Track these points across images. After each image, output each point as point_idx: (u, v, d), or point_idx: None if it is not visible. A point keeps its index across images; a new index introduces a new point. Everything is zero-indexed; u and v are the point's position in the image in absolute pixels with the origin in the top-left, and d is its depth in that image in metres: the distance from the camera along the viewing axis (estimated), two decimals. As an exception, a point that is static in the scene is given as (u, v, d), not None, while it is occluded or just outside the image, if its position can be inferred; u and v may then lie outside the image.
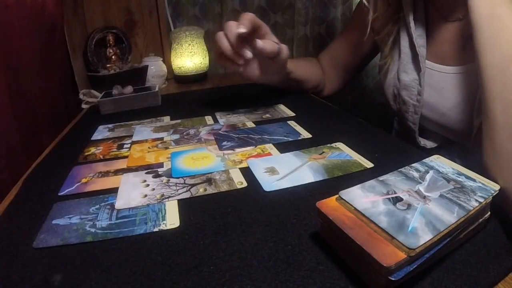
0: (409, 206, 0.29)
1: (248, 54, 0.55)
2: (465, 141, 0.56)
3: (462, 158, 0.58)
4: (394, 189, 0.32)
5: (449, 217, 0.28)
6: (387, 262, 0.24)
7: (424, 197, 0.30)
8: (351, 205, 0.29)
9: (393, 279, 0.24)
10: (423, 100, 0.60)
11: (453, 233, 0.27)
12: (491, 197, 0.30)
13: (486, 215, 0.32)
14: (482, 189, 0.31)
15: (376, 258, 0.24)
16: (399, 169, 0.35)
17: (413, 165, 0.36)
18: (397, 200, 0.30)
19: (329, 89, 0.86)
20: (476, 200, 0.30)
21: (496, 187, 0.32)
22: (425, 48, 0.59)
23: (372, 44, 0.73)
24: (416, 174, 0.34)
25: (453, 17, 0.55)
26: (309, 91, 0.82)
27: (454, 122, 0.56)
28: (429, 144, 0.64)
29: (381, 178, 0.34)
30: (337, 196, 0.31)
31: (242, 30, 0.53)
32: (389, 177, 0.34)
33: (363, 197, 0.30)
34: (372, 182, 0.33)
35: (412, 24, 0.59)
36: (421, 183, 0.33)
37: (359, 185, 0.32)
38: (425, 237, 0.25)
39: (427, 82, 0.59)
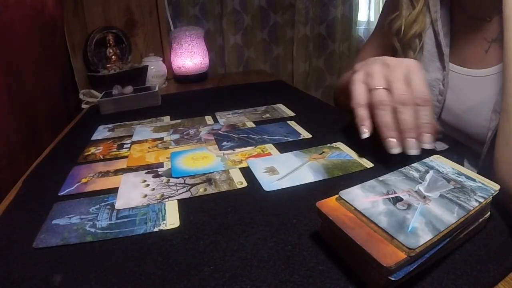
0: (409, 206, 0.29)
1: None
2: (476, 144, 0.55)
3: (471, 161, 0.57)
4: (394, 189, 0.32)
5: (449, 217, 0.28)
6: (387, 262, 0.24)
7: (424, 197, 0.30)
8: (351, 205, 0.29)
9: (393, 279, 0.24)
10: (443, 101, 0.57)
11: (453, 233, 0.27)
12: (491, 197, 0.30)
13: (486, 215, 0.32)
14: (482, 189, 0.31)
15: (376, 258, 0.24)
16: (399, 169, 0.35)
17: (413, 165, 0.36)
18: (397, 200, 0.30)
19: None
20: (476, 200, 0.30)
21: (496, 187, 0.32)
22: (449, 48, 0.56)
23: None
24: (416, 174, 0.34)
25: (479, 18, 0.53)
26: None
27: (468, 124, 0.55)
28: (439, 146, 0.62)
29: (381, 178, 0.34)
30: (337, 196, 0.31)
31: (430, 147, 0.41)
32: (389, 177, 0.34)
33: (363, 197, 0.30)
34: (372, 182, 0.33)
35: (439, 22, 0.56)
36: (421, 183, 0.33)
37: (359, 185, 0.32)
38: (425, 237, 0.25)
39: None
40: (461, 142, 0.60)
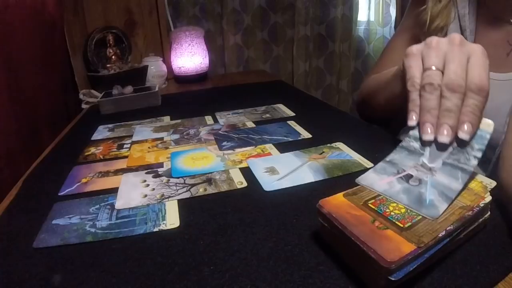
0: (420, 181, 0.31)
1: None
2: (487, 148, 0.55)
3: (481, 165, 0.57)
4: (402, 167, 0.33)
5: (456, 184, 0.30)
6: (391, 258, 0.24)
7: (430, 169, 0.32)
8: (372, 189, 0.31)
9: (393, 279, 0.24)
10: None
11: (453, 233, 0.27)
12: (489, 197, 0.30)
13: (486, 215, 0.32)
14: (477, 138, 0.33)
15: (376, 258, 0.24)
16: (400, 145, 0.36)
17: (410, 134, 0.36)
18: (408, 177, 0.32)
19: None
20: (475, 157, 0.31)
21: (490, 127, 0.33)
22: None
23: None
24: (416, 145, 0.35)
25: (504, 19, 0.52)
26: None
27: None
28: None
29: (387, 158, 0.35)
30: (344, 192, 0.32)
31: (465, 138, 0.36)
32: (394, 156, 0.35)
33: (379, 180, 0.32)
34: (381, 164, 0.35)
35: (467, 18, 0.55)
36: (423, 154, 0.34)
37: (371, 170, 0.34)
38: (442, 206, 0.28)
39: None
40: None
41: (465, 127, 0.35)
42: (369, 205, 0.30)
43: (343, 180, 0.42)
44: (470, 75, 0.36)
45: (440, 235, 0.26)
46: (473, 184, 0.32)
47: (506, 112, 0.49)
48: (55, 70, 0.80)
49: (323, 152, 0.50)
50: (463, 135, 0.35)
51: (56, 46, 0.83)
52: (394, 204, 0.29)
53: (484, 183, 0.32)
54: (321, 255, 0.30)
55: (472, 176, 0.31)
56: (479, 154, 0.31)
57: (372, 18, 1.42)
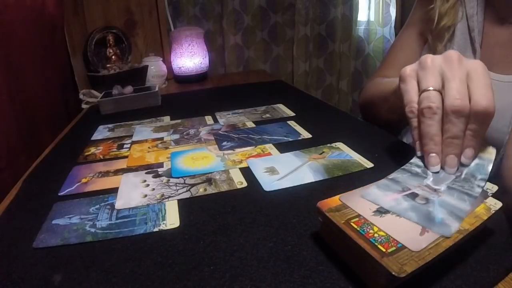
0: (427, 200, 0.30)
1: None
2: None
3: None
4: (407, 185, 0.33)
5: (464, 205, 0.29)
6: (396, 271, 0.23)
7: (435, 190, 0.32)
8: (376, 204, 0.30)
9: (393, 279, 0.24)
10: None
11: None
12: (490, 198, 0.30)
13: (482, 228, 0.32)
14: (478, 168, 0.33)
15: (376, 258, 0.24)
16: (401, 167, 0.36)
17: (411, 161, 0.36)
18: (414, 195, 0.31)
19: None
20: (478, 186, 0.31)
21: (492, 155, 0.33)
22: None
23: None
24: (418, 170, 0.35)
25: (510, 20, 0.52)
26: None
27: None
28: None
29: (390, 176, 0.35)
30: (339, 196, 0.31)
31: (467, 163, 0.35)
32: (397, 175, 0.35)
33: (384, 196, 0.31)
34: (384, 181, 0.34)
35: (475, 18, 0.54)
36: (426, 177, 0.33)
37: (374, 185, 0.33)
38: (454, 225, 0.27)
39: None
40: None
41: (468, 152, 0.34)
42: (352, 224, 0.28)
43: (343, 180, 0.42)
44: (475, 97, 0.32)
45: (425, 263, 0.24)
46: None
47: (510, 112, 0.49)
48: (55, 70, 0.80)
49: (323, 152, 0.50)
50: (466, 161, 0.34)
51: (56, 46, 0.83)
52: (378, 227, 0.27)
53: (488, 204, 0.30)
54: (321, 255, 0.30)
55: (479, 199, 0.30)
56: (483, 184, 0.31)
57: (372, 18, 1.42)
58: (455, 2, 0.57)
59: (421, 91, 0.36)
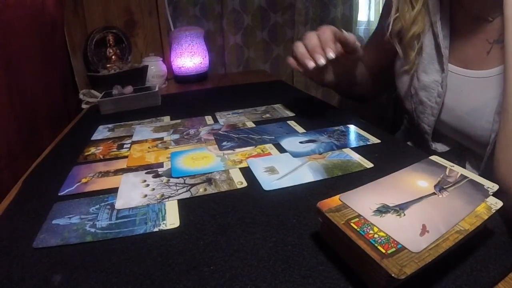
0: None
1: (330, 56, 0.55)
2: (477, 147, 0.55)
3: (473, 163, 0.57)
4: None
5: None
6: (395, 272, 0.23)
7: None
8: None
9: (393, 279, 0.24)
10: (441, 102, 0.57)
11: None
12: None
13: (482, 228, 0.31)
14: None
15: (376, 260, 0.24)
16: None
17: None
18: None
19: (373, 92, 0.82)
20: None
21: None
22: (448, 50, 0.56)
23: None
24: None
25: (481, 17, 0.53)
26: (359, 93, 0.78)
27: (470, 126, 0.54)
28: (440, 147, 0.62)
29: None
30: (338, 196, 0.31)
31: (332, 56, 0.54)
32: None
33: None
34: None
35: (438, 24, 0.56)
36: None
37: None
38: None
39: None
40: (462, 144, 0.59)
41: (328, 52, 0.54)
42: (352, 224, 0.28)
43: (343, 180, 0.42)
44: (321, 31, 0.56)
45: (425, 264, 0.24)
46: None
47: (493, 109, 0.49)
48: (55, 70, 0.80)
49: (323, 152, 0.50)
50: (329, 55, 0.54)
51: (56, 46, 0.83)
52: (378, 227, 0.27)
53: (488, 203, 0.30)
54: (321, 255, 0.30)
55: (480, 198, 0.30)
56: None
57: (372, 18, 1.42)
58: (420, 9, 0.58)
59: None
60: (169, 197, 0.40)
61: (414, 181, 0.33)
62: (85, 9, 1.00)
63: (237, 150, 0.52)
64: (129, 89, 0.80)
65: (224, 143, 0.54)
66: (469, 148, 0.58)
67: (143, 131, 0.63)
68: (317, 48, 0.55)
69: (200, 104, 0.80)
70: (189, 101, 0.87)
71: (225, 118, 0.67)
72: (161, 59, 1.07)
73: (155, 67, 1.03)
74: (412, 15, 0.58)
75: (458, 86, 0.55)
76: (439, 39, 0.56)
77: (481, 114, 0.52)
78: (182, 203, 0.39)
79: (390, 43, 0.63)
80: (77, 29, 0.95)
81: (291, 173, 0.44)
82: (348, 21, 1.43)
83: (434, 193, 0.31)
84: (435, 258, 0.25)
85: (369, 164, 0.45)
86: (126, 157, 0.52)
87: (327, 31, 0.56)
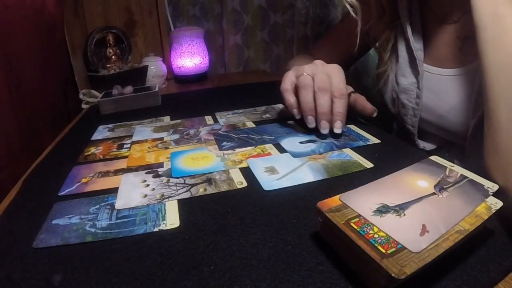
0: None
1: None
2: (462, 142, 0.56)
3: (460, 159, 0.58)
4: None
5: None
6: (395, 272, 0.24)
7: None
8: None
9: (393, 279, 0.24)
10: (421, 103, 0.60)
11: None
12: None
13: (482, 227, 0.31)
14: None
15: (376, 260, 0.24)
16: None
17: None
18: None
19: None
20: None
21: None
22: (422, 52, 0.59)
23: (361, 46, 0.70)
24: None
25: (449, 19, 0.56)
26: None
27: (451, 123, 0.56)
28: (428, 146, 0.64)
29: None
30: (339, 196, 0.31)
31: (338, 132, 0.52)
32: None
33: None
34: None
35: (409, 29, 0.59)
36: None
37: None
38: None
39: (424, 85, 0.59)
40: (449, 140, 0.61)
41: (337, 124, 0.51)
42: (352, 224, 0.28)
43: (343, 180, 0.42)
44: (334, 83, 0.51)
45: (425, 264, 0.24)
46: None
47: (468, 104, 0.51)
48: (55, 70, 0.80)
49: (323, 152, 0.50)
50: (336, 130, 0.51)
51: (56, 46, 0.83)
52: (378, 227, 0.27)
53: (488, 203, 0.30)
54: (321, 255, 0.30)
55: (480, 198, 0.30)
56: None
57: (372, 18, 1.42)
58: (390, 15, 0.61)
59: (299, 75, 0.52)
60: (169, 197, 0.40)
61: (414, 181, 0.33)
62: (85, 9, 1.00)
63: (237, 150, 0.52)
64: (129, 89, 0.80)
65: (224, 143, 0.54)
66: (455, 144, 0.60)
67: (143, 131, 0.63)
68: (325, 116, 0.50)
69: (200, 104, 0.80)
70: (189, 101, 0.87)
71: (225, 118, 0.67)
72: (161, 59, 1.07)
73: (155, 67, 1.03)
74: (383, 21, 0.62)
75: (436, 85, 0.58)
76: (410, 43, 0.59)
77: (461, 111, 0.54)
78: (182, 203, 0.39)
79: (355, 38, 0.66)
80: (77, 29, 0.95)
81: (291, 173, 0.44)
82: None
83: (434, 193, 0.31)
84: (435, 258, 0.25)
85: (369, 164, 0.45)
86: (126, 157, 0.52)
87: (344, 97, 0.51)
